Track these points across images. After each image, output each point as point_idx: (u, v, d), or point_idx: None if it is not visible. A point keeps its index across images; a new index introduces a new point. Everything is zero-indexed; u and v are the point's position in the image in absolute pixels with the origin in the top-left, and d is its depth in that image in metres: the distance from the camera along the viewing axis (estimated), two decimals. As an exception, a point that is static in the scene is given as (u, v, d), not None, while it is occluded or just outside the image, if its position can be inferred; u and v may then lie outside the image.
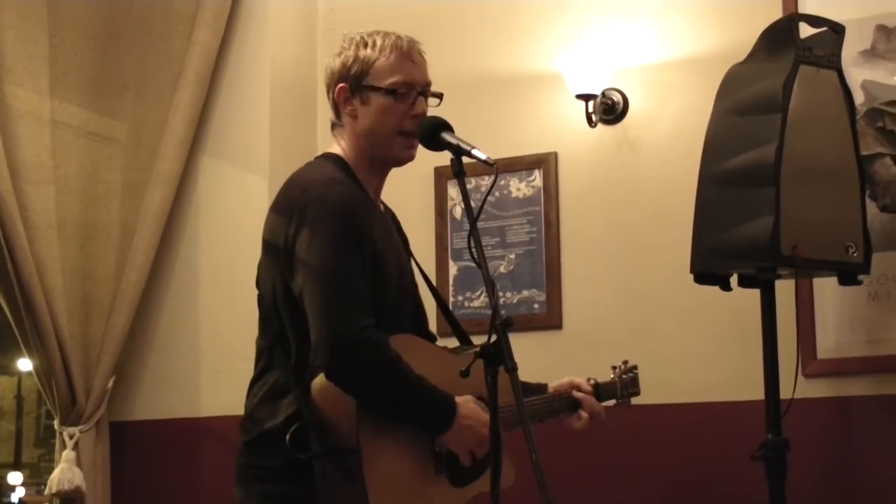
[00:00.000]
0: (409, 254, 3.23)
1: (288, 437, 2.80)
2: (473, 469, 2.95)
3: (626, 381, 3.60)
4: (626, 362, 3.64)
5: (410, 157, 3.05)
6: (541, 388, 3.34)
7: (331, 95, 3.07)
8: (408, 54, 3.03)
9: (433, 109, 3.05)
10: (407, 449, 2.85)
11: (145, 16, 5.23)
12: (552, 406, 3.30)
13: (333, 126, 3.11)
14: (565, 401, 3.32)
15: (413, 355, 2.84)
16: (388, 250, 3.00)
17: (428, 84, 3.06)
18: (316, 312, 2.79)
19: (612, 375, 3.58)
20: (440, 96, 3.08)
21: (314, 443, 2.80)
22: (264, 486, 2.91)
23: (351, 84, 3.02)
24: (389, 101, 2.99)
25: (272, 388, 2.92)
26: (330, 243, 2.82)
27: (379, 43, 3.02)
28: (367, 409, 2.78)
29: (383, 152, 3.04)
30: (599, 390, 3.42)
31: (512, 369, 2.53)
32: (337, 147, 3.08)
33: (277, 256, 2.91)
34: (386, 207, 3.20)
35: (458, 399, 2.87)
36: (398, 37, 3.04)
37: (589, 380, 3.41)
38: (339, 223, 2.85)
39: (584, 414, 3.32)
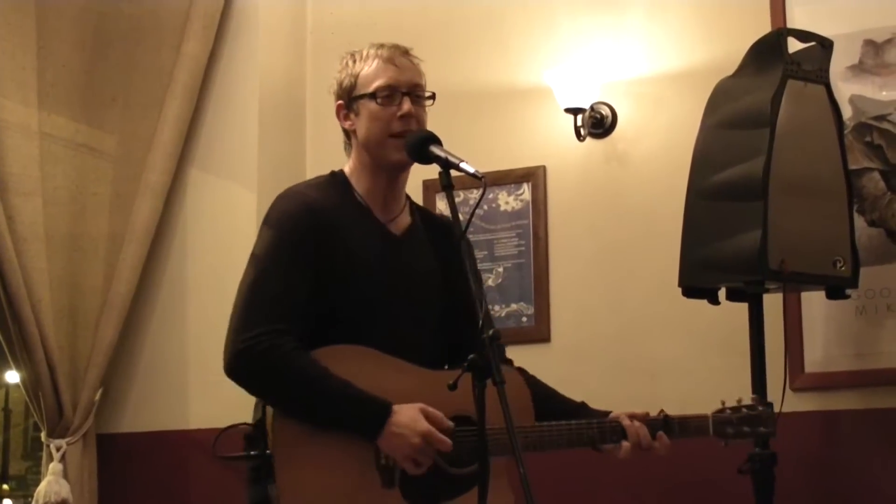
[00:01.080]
0: (454, 269, 3.08)
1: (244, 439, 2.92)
2: (444, 487, 2.91)
3: (730, 419, 3.27)
4: (754, 397, 3.34)
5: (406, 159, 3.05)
6: (581, 408, 3.22)
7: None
8: (389, 59, 3.09)
9: (428, 110, 3.08)
10: (339, 456, 2.84)
11: (134, 27, 5.22)
12: (583, 434, 3.11)
13: (345, 146, 3.19)
14: (606, 430, 3.13)
15: (359, 367, 2.87)
16: (367, 259, 3.01)
17: (415, 86, 3.09)
18: (229, 318, 2.92)
19: (715, 409, 3.31)
20: (432, 96, 3.12)
21: (259, 446, 2.87)
22: (248, 489, 2.94)
23: (345, 99, 3.12)
24: (374, 105, 3.05)
25: None
26: (257, 252, 2.97)
27: (364, 54, 3.11)
28: (282, 412, 2.84)
29: (381, 158, 3.07)
30: (669, 424, 3.20)
31: (500, 382, 2.52)
32: (346, 164, 3.17)
33: None
34: (432, 222, 3.25)
35: (397, 406, 2.85)
36: (381, 45, 3.12)
37: (660, 412, 3.22)
38: (277, 232, 2.97)
39: (625, 444, 3.12)
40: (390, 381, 2.90)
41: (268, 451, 2.83)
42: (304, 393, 2.84)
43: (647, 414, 3.21)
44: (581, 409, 3.22)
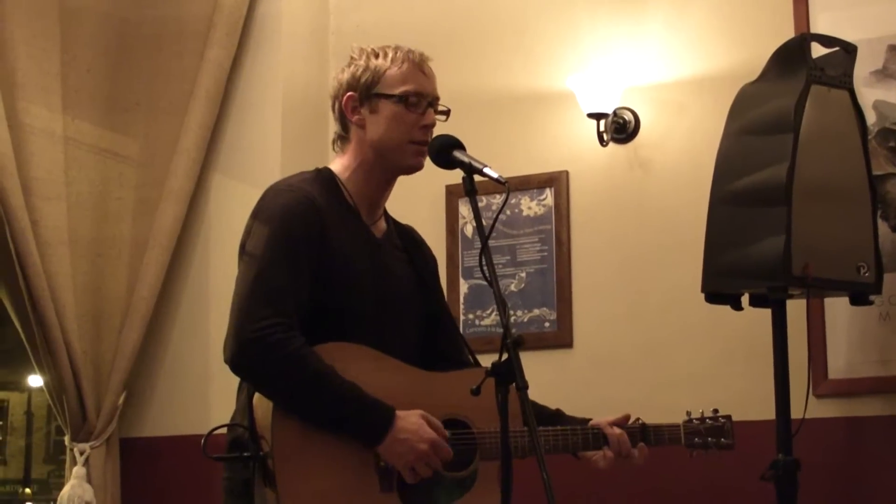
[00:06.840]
0: (428, 276, 3.24)
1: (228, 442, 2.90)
2: (442, 491, 2.90)
3: (699, 429, 3.38)
4: (715, 411, 3.44)
5: (420, 165, 3.05)
6: (557, 416, 3.24)
7: (337, 105, 3.10)
8: (419, 66, 3.07)
9: (441, 125, 3.06)
10: (339, 458, 2.81)
11: (157, 33, 5.24)
12: (568, 441, 3.13)
13: (335, 141, 3.14)
14: (589, 436, 3.16)
15: (358, 365, 2.84)
16: (356, 261, 3.00)
17: (437, 98, 3.09)
18: (231, 309, 2.88)
19: (683, 419, 3.41)
20: (447, 113, 3.10)
21: (251, 449, 2.83)
22: (227, 500, 2.95)
23: (360, 93, 3.05)
24: (400, 109, 3.02)
25: (247, 394, 2.94)
26: (258, 245, 2.90)
27: (391, 54, 3.07)
28: (284, 410, 2.79)
29: (394, 161, 3.05)
30: (647, 432, 3.26)
31: (523, 387, 2.52)
32: (336, 161, 3.12)
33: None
34: (399, 228, 3.24)
35: (401, 413, 2.83)
36: (410, 49, 3.09)
37: (636, 420, 3.26)
38: (272, 226, 2.90)
39: (608, 452, 3.16)
40: (385, 381, 2.87)
41: (261, 454, 2.79)
42: (311, 390, 2.79)
43: (627, 418, 3.25)
44: (556, 416, 3.23)
